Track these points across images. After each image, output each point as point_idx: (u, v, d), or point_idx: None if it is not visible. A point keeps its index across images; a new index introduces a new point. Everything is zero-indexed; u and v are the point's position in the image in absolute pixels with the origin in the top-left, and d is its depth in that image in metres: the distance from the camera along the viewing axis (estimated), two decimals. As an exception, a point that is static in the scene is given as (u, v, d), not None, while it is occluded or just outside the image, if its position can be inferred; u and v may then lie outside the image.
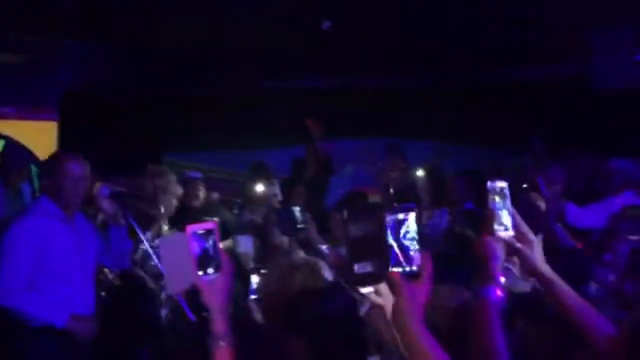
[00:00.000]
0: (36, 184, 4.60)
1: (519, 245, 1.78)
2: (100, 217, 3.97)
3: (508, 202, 1.79)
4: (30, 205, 3.69)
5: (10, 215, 4.15)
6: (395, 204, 1.50)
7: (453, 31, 5.94)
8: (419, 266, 1.45)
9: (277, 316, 2.24)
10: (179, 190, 4.40)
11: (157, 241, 3.67)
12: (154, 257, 3.41)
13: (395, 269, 1.43)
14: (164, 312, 3.89)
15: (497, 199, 1.79)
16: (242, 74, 6.88)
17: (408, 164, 6.51)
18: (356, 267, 1.47)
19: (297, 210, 4.27)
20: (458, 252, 4.06)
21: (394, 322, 1.43)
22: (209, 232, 1.64)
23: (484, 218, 1.79)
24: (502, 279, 1.76)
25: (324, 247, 4.00)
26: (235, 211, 5.29)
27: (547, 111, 6.53)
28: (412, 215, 1.46)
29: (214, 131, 7.47)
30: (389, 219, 1.44)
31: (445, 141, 7.67)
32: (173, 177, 4.35)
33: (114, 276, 3.94)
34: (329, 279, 2.68)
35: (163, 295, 3.83)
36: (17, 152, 4.76)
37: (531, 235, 1.80)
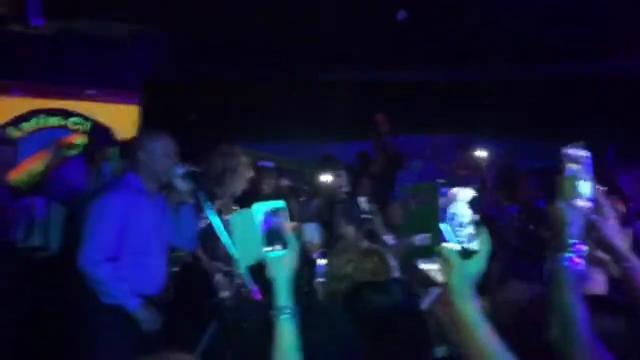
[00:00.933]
0: (115, 165, 4.78)
1: (594, 216, 1.72)
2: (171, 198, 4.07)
3: (587, 171, 1.72)
4: (116, 180, 3.82)
5: (91, 191, 4.31)
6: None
7: (528, 24, 5.78)
8: (474, 244, 1.43)
9: (339, 301, 2.24)
10: (249, 173, 4.46)
11: (224, 217, 3.79)
12: (220, 235, 3.49)
13: (445, 245, 1.42)
14: (224, 294, 3.98)
15: (574, 166, 1.73)
16: (314, 64, 6.91)
17: (477, 162, 6.37)
18: (416, 239, 1.48)
19: (363, 200, 4.28)
20: (532, 250, 3.95)
21: (444, 298, 1.41)
22: (277, 210, 1.70)
23: (559, 184, 1.73)
24: (584, 248, 1.69)
25: (388, 237, 3.98)
26: (302, 199, 5.33)
27: (624, 109, 6.25)
28: (466, 192, 1.44)
29: (285, 122, 7.54)
30: (442, 195, 1.44)
31: (517, 138, 7.47)
32: (244, 159, 4.42)
33: (185, 255, 4.04)
34: (395, 268, 2.69)
35: (219, 277, 3.93)
36: (102, 132, 4.97)
37: (609, 208, 1.73)
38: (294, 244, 1.72)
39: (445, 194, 1.43)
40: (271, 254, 1.69)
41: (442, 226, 1.42)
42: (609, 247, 1.73)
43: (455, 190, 1.44)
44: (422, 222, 1.46)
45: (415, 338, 2.10)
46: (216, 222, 3.62)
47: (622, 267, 1.73)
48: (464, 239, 1.43)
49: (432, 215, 1.43)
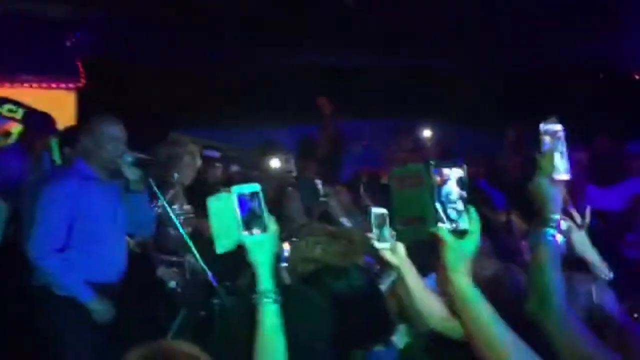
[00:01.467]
0: (56, 154, 4.58)
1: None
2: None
3: (562, 145, 1.76)
4: (64, 167, 3.69)
5: (33, 180, 4.14)
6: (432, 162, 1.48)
7: (473, 11, 5.91)
8: (465, 223, 1.44)
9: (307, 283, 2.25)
10: (197, 162, 4.38)
11: (175, 207, 3.71)
12: (174, 221, 3.44)
13: (440, 225, 1.42)
14: (171, 284, 3.93)
15: (549, 140, 1.77)
16: (256, 49, 6.83)
17: (420, 145, 6.48)
18: (399, 222, 1.48)
19: (319, 182, 4.30)
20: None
21: (442, 277, 1.43)
22: (254, 193, 1.66)
23: (538, 160, 1.76)
24: (564, 223, 1.74)
25: (344, 220, 4.01)
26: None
27: (565, 92, 6.50)
28: (456, 172, 1.44)
29: (226, 107, 7.43)
30: (434, 175, 1.43)
31: (456, 124, 7.65)
32: (191, 148, 4.35)
33: (134, 244, 3.94)
34: (364, 251, 2.70)
35: (162, 269, 3.88)
36: (40, 119, 4.74)
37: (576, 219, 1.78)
38: (273, 227, 1.68)
39: (437, 175, 1.43)
40: (250, 238, 1.65)
41: (436, 207, 1.41)
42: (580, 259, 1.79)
43: (447, 170, 1.43)
44: (412, 204, 1.45)
45: (375, 321, 2.16)
46: (167, 211, 3.54)
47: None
48: (456, 219, 1.43)
49: (424, 197, 1.43)
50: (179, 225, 3.50)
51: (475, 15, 5.90)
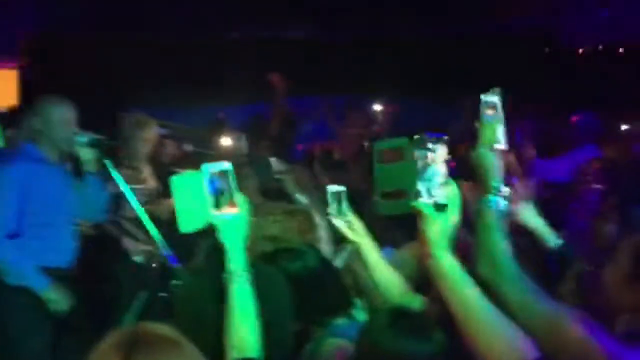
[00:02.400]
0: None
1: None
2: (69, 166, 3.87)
3: (500, 116, 1.81)
4: (11, 151, 3.58)
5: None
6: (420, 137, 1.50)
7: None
8: (445, 198, 1.47)
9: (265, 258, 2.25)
10: (153, 140, 4.32)
11: (132, 185, 3.65)
12: (129, 203, 3.38)
13: (421, 200, 1.44)
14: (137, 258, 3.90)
15: (492, 112, 1.81)
16: (206, 23, 6.69)
17: (372, 120, 6.51)
18: (381, 195, 1.49)
19: (274, 160, 4.29)
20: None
21: (423, 250, 1.46)
22: (224, 172, 1.64)
23: (479, 130, 1.81)
24: (506, 189, 1.80)
25: (301, 197, 4.01)
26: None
27: (511, 65, 6.62)
28: (438, 147, 1.46)
29: (175, 86, 7.29)
30: (416, 152, 1.45)
31: (407, 96, 7.71)
32: (149, 126, 4.28)
33: (87, 228, 3.87)
34: (321, 226, 2.72)
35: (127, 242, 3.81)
36: None
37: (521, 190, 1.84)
38: (244, 206, 1.67)
39: (422, 151, 1.44)
40: (221, 217, 1.63)
41: (420, 183, 1.44)
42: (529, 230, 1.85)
43: (430, 145, 1.45)
44: (395, 178, 1.47)
45: (332, 297, 2.20)
46: (125, 190, 3.48)
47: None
48: (437, 195, 1.45)
49: (406, 171, 1.45)
50: (137, 204, 3.44)
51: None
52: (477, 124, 1.87)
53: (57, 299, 3.31)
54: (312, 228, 2.59)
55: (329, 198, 2.38)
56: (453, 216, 1.48)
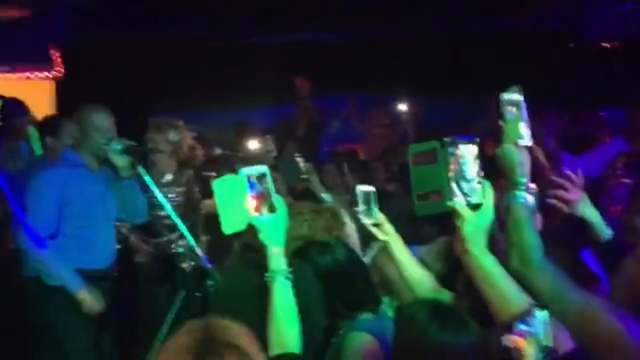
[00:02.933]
0: (35, 144, 4.54)
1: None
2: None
3: (524, 113, 1.84)
4: (48, 157, 3.71)
5: (17, 170, 4.12)
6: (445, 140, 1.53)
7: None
8: (479, 197, 1.52)
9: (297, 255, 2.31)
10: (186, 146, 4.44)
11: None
12: (165, 206, 3.46)
13: (457, 199, 1.49)
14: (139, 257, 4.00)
15: (514, 110, 1.84)
16: (230, 28, 6.79)
17: (395, 119, 6.53)
18: (417, 197, 1.54)
19: (300, 160, 4.37)
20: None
21: (459, 248, 1.50)
22: (262, 175, 1.71)
23: (503, 128, 1.81)
24: (532, 185, 1.81)
25: (326, 196, 4.08)
26: (238, 166, 5.30)
27: (537, 62, 6.59)
28: (470, 147, 1.51)
29: (201, 89, 7.40)
30: (449, 151, 1.49)
31: (428, 96, 7.72)
32: (184, 132, 4.40)
33: (128, 230, 3.97)
34: (349, 223, 2.77)
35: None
36: (16, 107, 4.66)
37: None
38: (282, 208, 1.73)
39: (453, 152, 1.49)
40: (261, 219, 1.70)
41: (454, 183, 1.49)
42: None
43: (461, 146, 1.50)
44: (429, 180, 1.52)
45: (360, 292, 2.23)
46: (157, 193, 3.56)
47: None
48: (471, 193, 1.50)
49: (440, 173, 1.50)
50: (170, 210, 3.51)
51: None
52: (500, 122, 1.90)
53: (90, 300, 3.39)
54: (340, 225, 2.62)
55: (358, 198, 2.43)
56: (487, 214, 1.52)
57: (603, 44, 6.01)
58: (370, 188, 2.45)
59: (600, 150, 4.87)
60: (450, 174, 1.49)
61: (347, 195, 4.36)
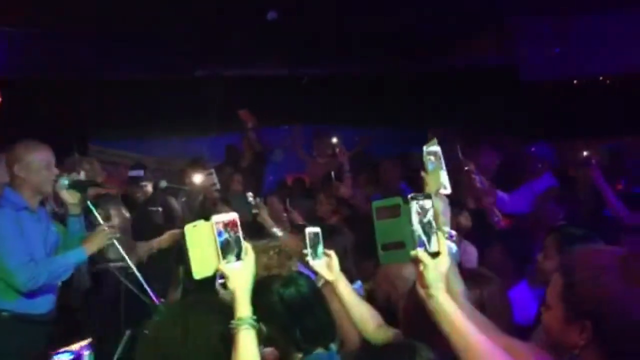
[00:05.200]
0: None
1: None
2: (49, 208, 3.94)
3: (443, 163, 1.99)
4: None
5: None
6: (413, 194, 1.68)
7: (382, 20, 6.16)
8: (436, 245, 1.66)
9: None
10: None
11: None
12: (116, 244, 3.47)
13: (419, 249, 1.64)
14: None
15: (433, 160, 1.99)
16: (177, 60, 6.84)
17: (338, 149, 6.67)
18: (382, 248, 1.68)
19: (250, 195, 4.44)
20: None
21: (421, 291, 1.64)
22: (231, 222, 1.75)
23: (425, 179, 1.97)
24: (454, 232, 1.96)
25: (276, 230, 4.14)
26: (182, 199, 5.32)
27: (471, 98, 6.90)
28: (427, 202, 1.66)
29: (144, 118, 7.39)
30: (415, 205, 1.64)
31: (372, 127, 7.96)
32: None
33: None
34: (294, 263, 2.84)
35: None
36: None
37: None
38: (250, 255, 1.77)
39: (415, 206, 1.63)
40: (228, 266, 1.73)
41: (415, 235, 1.62)
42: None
43: (421, 201, 1.64)
44: (392, 232, 1.65)
45: (321, 325, 2.29)
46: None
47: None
48: (429, 243, 1.64)
49: (402, 226, 1.63)
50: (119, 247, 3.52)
51: (384, 23, 6.16)
52: (422, 174, 2.05)
53: (100, 239, 3.44)
54: (282, 263, 2.68)
55: (307, 240, 2.48)
56: (445, 261, 1.66)
57: (536, 83, 6.35)
58: (316, 229, 2.52)
59: (530, 185, 5.09)
60: (412, 227, 1.63)
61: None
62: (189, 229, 1.75)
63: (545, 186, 4.83)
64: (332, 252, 2.54)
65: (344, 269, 2.57)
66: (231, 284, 1.73)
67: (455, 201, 4.42)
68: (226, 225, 1.75)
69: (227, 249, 1.74)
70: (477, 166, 4.71)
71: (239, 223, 1.77)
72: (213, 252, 1.74)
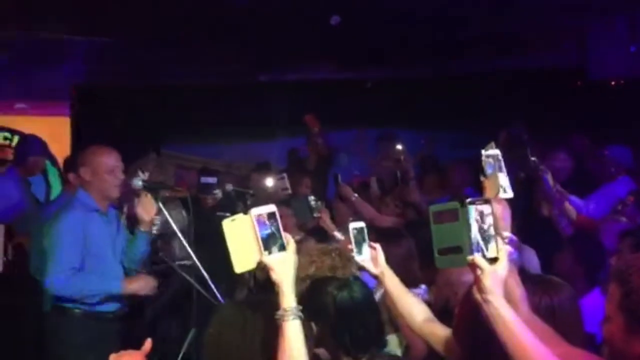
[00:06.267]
0: (54, 181, 4.61)
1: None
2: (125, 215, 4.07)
3: (502, 165, 1.93)
4: (67, 197, 3.75)
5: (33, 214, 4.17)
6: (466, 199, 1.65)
7: (444, 22, 6.09)
8: (494, 251, 1.62)
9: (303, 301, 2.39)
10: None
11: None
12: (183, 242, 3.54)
13: (477, 254, 1.61)
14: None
15: (492, 163, 1.93)
16: (242, 65, 6.97)
17: (402, 156, 6.61)
18: (439, 252, 1.65)
19: (312, 199, 4.46)
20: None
21: (478, 296, 1.61)
22: (271, 214, 1.75)
23: (483, 184, 1.92)
24: (514, 237, 1.90)
25: (338, 233, 4.14)
26: (249, 203, 5.38)
27: (541, 99, 6.70)
28: (486, 207, 1.63)
29: (211, 123, 7.56)
30: (473, 210, 1.62)
31: (436, 130, 7.86)
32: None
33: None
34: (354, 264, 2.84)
35: None
36: (32, 142, 4.69)
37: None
38: (292, 246, 1.77)
39: (473, 210, 1.61)
40: (271, 257, 1.73)
41: (472, 239, 1.61)
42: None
43: (479, 206, 1.62)
44: (450, 236, 1.64)
45: (370, 332, 2.29)
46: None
47: None
48: (487, 248, 1.62)
49: (460, 230, 1.62)
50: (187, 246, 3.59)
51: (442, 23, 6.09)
52: (481, 178, 2.00)
53: (140, 287, 3.51)
54: (345, 265, 2.66)
55: (351, 235, 2.49)
56: (503, 266, 1.62)
57: (606, 84, 6.12)
58: (362, 224, 2.52)
59: (605, 189, 4.92)
60: (470, 231, 1.60)
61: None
62: (227, 223, 1.75)
63: (623, 190, 4.65)
64: (377, 245, 2.54)
65: (409, 272, 2.55)
66: (275, 275, 1.74)
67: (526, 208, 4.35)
68: (266, 217, 1.74)
69: (269, 240, 1.74)
70: (551, 171, 4.55)
71: (278, 215, 1.76)
72: (254, 245, 1.74)
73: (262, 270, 1.80)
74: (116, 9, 5.30)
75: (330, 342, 2.25)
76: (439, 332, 2.32)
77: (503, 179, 1.92)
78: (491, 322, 1.59)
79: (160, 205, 3.59)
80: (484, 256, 1.60)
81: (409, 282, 2.75)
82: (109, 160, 3.52)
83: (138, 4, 5.27)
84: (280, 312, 1.72)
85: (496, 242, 1.62)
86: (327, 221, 4.30)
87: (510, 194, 1.90)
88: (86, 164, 3.53)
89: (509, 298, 1.66)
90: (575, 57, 6.56)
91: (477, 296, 1.61)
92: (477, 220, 1.60)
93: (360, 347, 2.25)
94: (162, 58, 6.53)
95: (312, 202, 4.43)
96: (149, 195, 3.52)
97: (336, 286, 2.32)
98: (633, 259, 1.58)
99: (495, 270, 1.59)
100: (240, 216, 1.76)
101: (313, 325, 2.18)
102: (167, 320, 3.98)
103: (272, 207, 1.76)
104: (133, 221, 3.74)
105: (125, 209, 4.00)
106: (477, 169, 1.96)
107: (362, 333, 2.26)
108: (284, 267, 1.73)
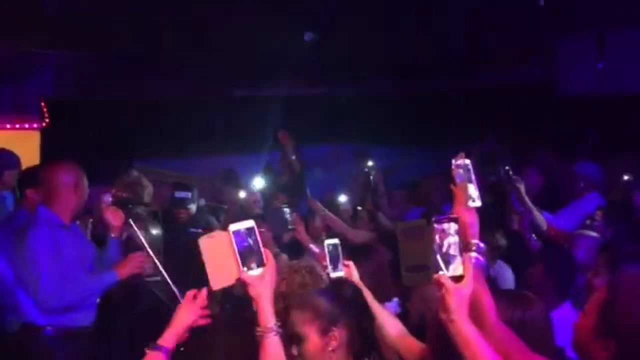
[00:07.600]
0: (18, 193, 4.50)
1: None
2: (90, 228, 4.01)
3: (472, 175, 1.95)
4: (32, 216, 3.65)
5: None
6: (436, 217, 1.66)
7: (415, 40, 6.18)
8: (460, 269, 1.63)
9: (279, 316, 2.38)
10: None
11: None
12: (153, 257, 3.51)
13: (441, 273, 1.61)
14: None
15: (462, 173, 1.95)
16: (217, 81, 6.97)
17: (374, 172, 6.65)
18: (405, 269, 1.66)
19: (287, 211, 4.44)
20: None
21: (442, 315, 1.61)
22: (249, 229, 1.73)
23: (454, 192, 1.93)
24: (482, 245, 1.91)
25: (312, 246, 4.13)
26: (222, 217, 5.35)
27: (510, 115, 6.81)
28: (452, 225, 1.64)
29: (184, 137, 7.51)
30: (437, 228, 1.62)
31: (410, 146, 7.92)
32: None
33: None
34: (325, 278, 2.85)
35: None
36: (7, 161, 4.59)
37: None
38: (271, 262, 1.76)
39: (439, 229, 1.62)
40: (250, 274, 1.71)
41: (437, 258, 1.61)
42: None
43: (445, 224, 1.62)
44: (416, 254, 1.64)
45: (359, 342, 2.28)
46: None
47: None
48: (453, 267, 1.62)
49: (426, 248, 1.62)
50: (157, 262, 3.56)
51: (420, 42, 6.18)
52: (451, 186, 2.02)
53: (130, 267, 3.48)
54: (315, 282, 2.70)
55: (326, 251, 2.51)
56: (468, 285, 1.62)
57: (573, 100, 6.24)
58: (336, 240, 2.56)
59: (575, 205, 4.98)
60: (435, 249, 1.60)
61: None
62: (204, 240, 1.73)
63: (592, 206, 4.71)
64: (350, 263, 2.60)
65: (380, 286, 2.57)
66: (253, 291, 1.72)
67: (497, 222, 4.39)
68: (245, 232, 1.73)
69: (247, 256, 1.73)
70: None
71: (257, 230, 1.74)
72: (232, 262, 1.72)
73: (240, 285, 1.78)
74: (87, 22, 5.27)
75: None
76: (413, 348, 2.33)
77: (472, 188, 1.94)
78: (455, 341, 1.59)
79: (131, 221, 3.54)
80: (453, 275, 1.61)
81: (382, 296, 2.79)
82: (68, 177, 3.48)
83: (109, 17, 5.24)
84: (260, 329, 1.70)
85: (461, 259, 1.62)
86: (302, 233, 4.28)
87: (478, 203, 1.92)
88: (46, 181, 3.50)
89: (476, 306, 1.66)
90: (543, 73, 6.69)
91: (442, 315, 1.61)
92: (441, 239, 1.61)
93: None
94: (134, 72, 6.49)
95: (287, 215, 4.42)
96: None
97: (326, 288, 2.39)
98: (630, 276, 1.65)
99: (460, 289, 1.60)
100: (218, 232, 1.74)
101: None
102: (140, 336, 3.90)
103: (250, 222, 1.74)
104: (104, 227, 3.68)
105: (94, 215, 3.93)
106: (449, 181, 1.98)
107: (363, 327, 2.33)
108: (262, 283, 1.72)
